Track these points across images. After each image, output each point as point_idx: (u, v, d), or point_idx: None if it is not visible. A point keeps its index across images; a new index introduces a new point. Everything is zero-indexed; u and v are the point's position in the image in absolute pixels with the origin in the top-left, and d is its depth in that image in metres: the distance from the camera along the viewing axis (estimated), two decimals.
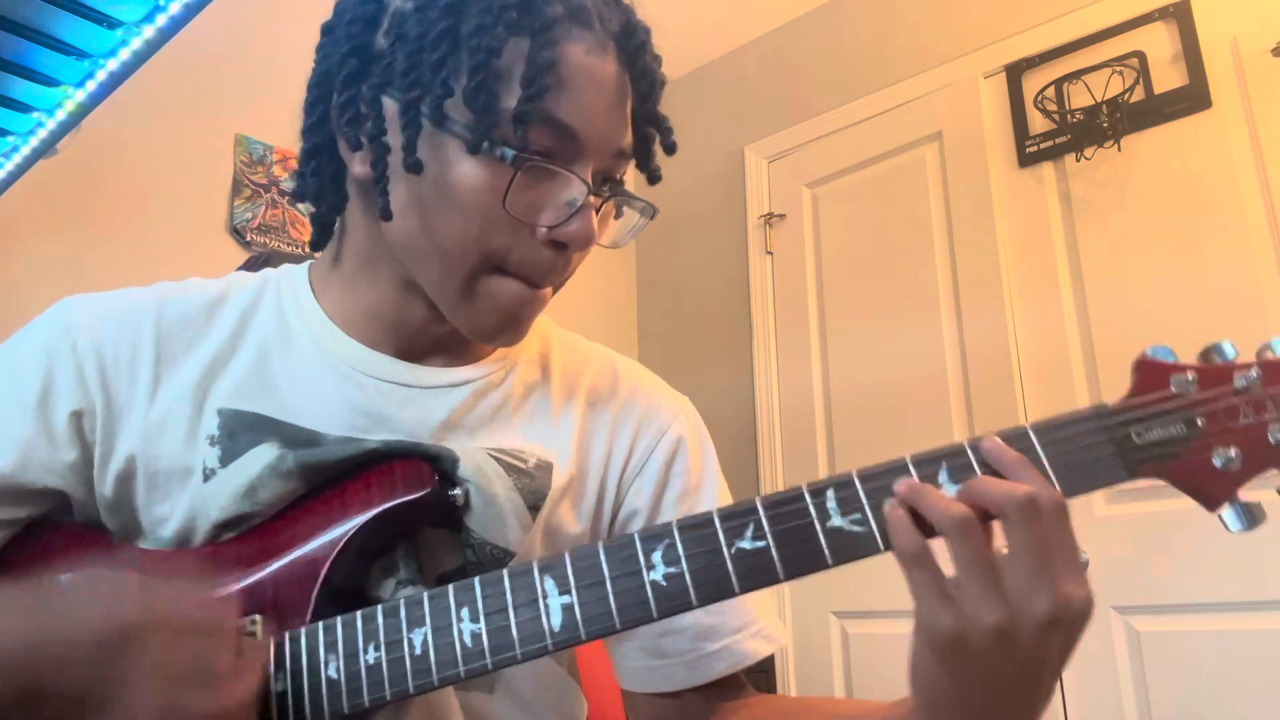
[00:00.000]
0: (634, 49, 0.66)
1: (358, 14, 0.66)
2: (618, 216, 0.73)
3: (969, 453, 0.53)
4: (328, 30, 0.69)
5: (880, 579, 2.24)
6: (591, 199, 0.64)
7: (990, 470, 0.52)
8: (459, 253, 0.64)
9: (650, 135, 0.71)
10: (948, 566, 0.50)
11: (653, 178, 0.72)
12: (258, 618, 0.61)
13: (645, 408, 0.78)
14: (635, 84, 0.67)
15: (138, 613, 0.51)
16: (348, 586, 0.64)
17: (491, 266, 0.65)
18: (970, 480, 0.52)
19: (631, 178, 0.72)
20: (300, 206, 2.24)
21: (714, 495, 0.78)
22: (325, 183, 0.70)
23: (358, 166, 0.67)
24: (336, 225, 0.74)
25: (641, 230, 0.73)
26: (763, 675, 2.25)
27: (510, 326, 0.68)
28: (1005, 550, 0.50)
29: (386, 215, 0.64)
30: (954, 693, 0.51)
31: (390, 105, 0.64)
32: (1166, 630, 1.86)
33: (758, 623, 0.74)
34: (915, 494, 0.51)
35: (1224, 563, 1.80)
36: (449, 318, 0.69)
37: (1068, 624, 0.49)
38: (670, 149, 0.71)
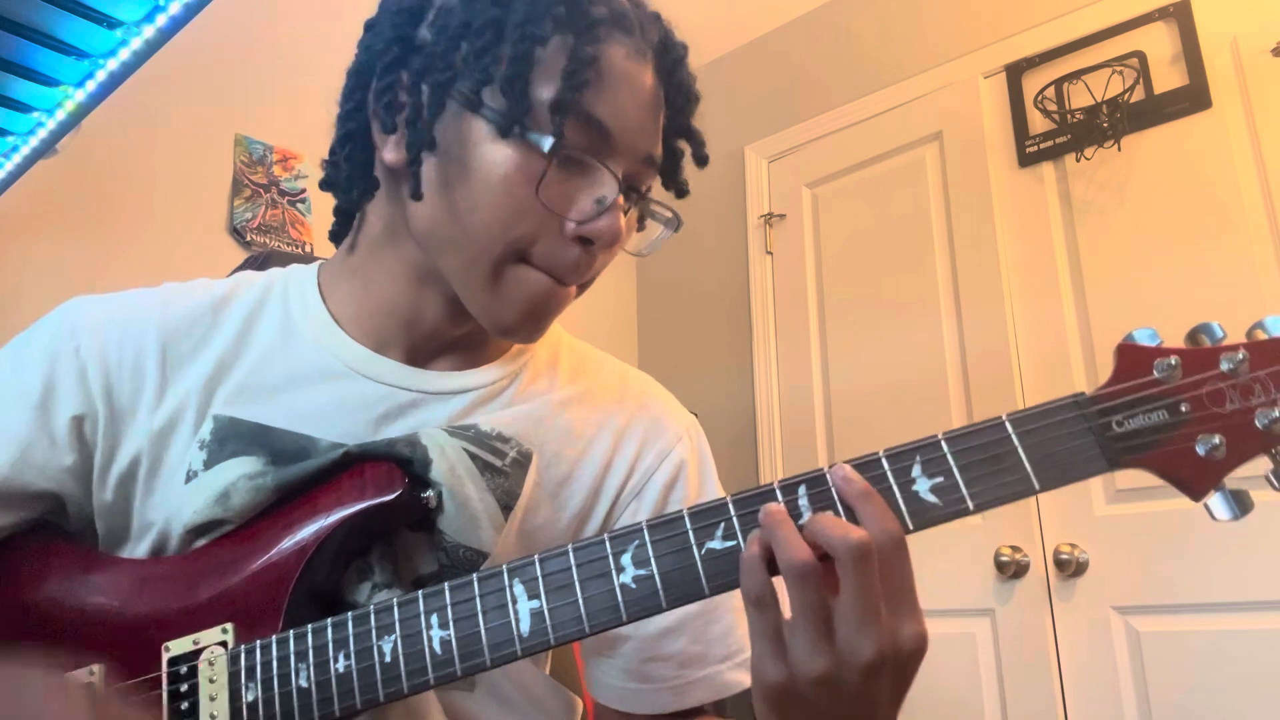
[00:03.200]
0: (671, 63, 0.68)
1: (404, 5, 0.67)
2: (640, 228, 0.74)
3: (941, 444, 0.53)
4: (370, 25, 0.70)
5: None
6: (620, 199, 0.64)
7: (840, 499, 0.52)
8: (485, 239, 0.64)
9: (680, 150, 0.72)
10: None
11: (680, 191, 0.73)
12: (229, 626, 0.60)
13: (651, 424, 0.77)
14: (670, 97, 0.68)
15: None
16: (324, 590, 0.64)
17: (516, 256, 0.65)
18: (811, 519, 0.51)
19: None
20: (300, 205, 2.24)
21: None
22: (357, 168, 0.71)
23: (389, 152, 0.67)
24: (356, 218, 0.74)
25: (663, 241, 0.74)
26: None
27: (532, 321, 0.68)
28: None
29: (415, 195, 0.64)
30: None
31: (429, 90, 0.65)
32: (1166, 630, 1.86)
33: (743, 653, 0.74)
34: (771, 529, 0.51)
35: (1224, 563, 1.80)
36: (470, 308, 0.68)
37: (897, 664, 0.50)
38: (701, 162, 0.72)
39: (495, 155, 0.63)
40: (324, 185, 0.74)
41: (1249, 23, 1.97)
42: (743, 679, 0.74)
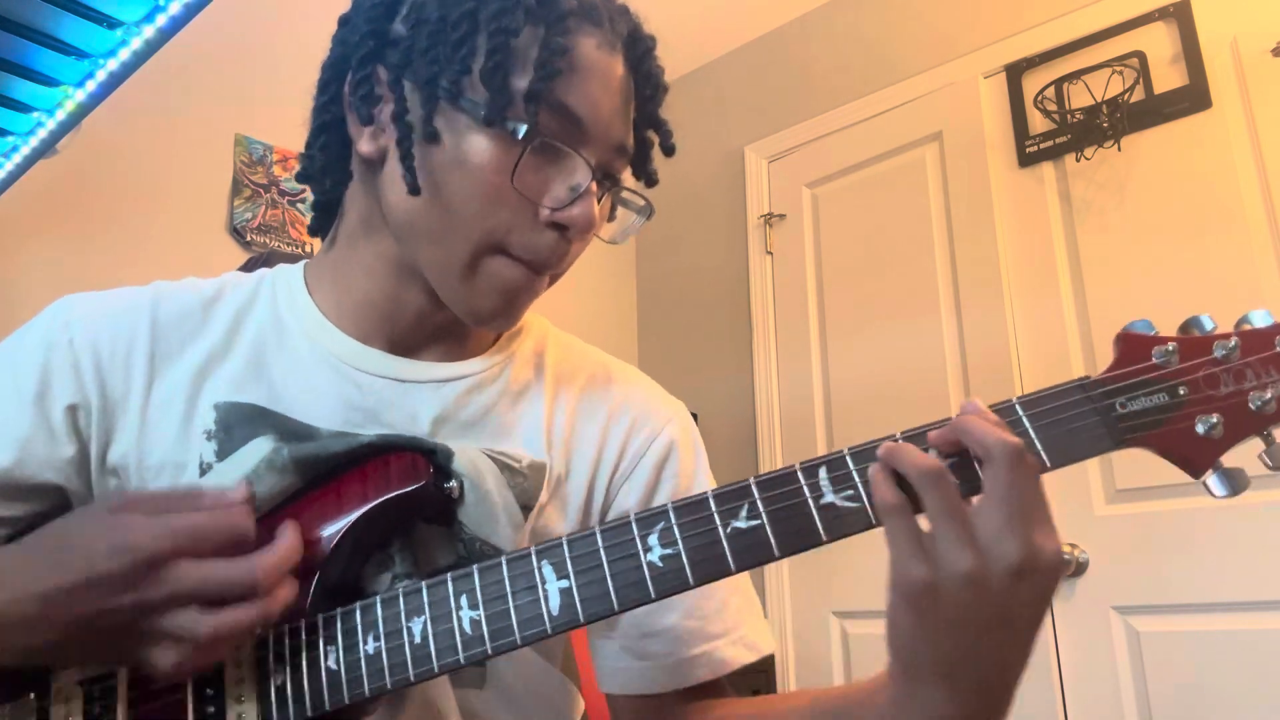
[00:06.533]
0: (640, 54, 0.69)
1: (377, 0, 0.69)
2: (611, 218, 0.75)
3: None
4: (345, 20, 0.71)
5: (880, 579, 2.24)
6: (594, 186, 0.65)
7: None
8: (462, 230, 0.65)
9: (650, 139, 0.73)
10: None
11: (650, 180, 0.75)
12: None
13: (638, 411, 0.78)
14: (639, 87, 0.70)
15: (152, 540, 0.53)
16: (345, 581, 0.64)
17: (493, 247, 0.66)
18: (962, 418, 0.52)
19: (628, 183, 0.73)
20: (300, 205, 2.24)
21: None
22: (331, 160, 0.72)
23: (365, 144, 0.69)
24: (336, 213, 0.75)
25: (638, 229, 0.75)
26: (762, 675, 2.24)
27: (505, 310, 0.69)
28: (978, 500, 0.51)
29: (414, 189, 0.65)
30: (928, 644, 0.52)
31: (410, 85, 0.66)
32: (1166, 630, 1.86)
33: (739, 629, 0.74)
34: (892, 452, 0.52)
35: (1224, 563, 1.80)
36: (445, 298, 0.69)
37: (1038, 574, 0.50)
38: (669, 151, 0.74)
39: (475, 144, 0.64)
40: (300, 178, 0.75)
41: (1249, 23, 1.98)
42: (741, 655, 0.74)
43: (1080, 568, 1.97)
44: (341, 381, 0.70)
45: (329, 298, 0.73)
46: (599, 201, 0.67)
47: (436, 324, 0.72)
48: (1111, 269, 2.06)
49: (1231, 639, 1.78)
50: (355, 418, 0.69)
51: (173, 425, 0.68)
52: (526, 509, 0.69)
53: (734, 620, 0.75)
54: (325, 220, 0.77)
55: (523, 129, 0.62)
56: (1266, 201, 1.90)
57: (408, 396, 0.70)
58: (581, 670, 1.01)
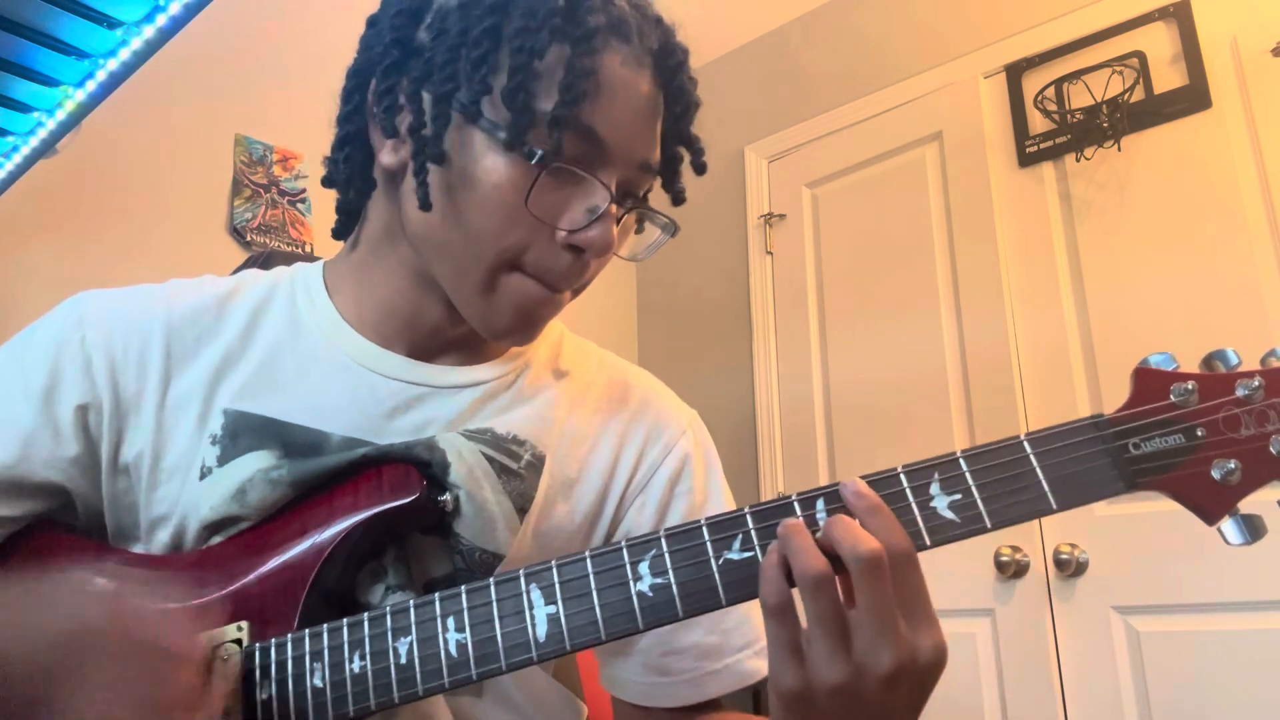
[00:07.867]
0: (671, 68, 0.67)
1: (403, 6, 0.67)
2: (638, 231, 0.74)
3: (960, 462, 0.53)
4: (372, 22, 0.70)
5: None
6: (613, 208, 0.64)
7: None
8: (477, 248, 0.64)
9: (679, 155, 0.72)
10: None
11: (678, 198, 0.73)
12: (244, 624, 0.61)
13: (654, 420, 0.77)
14: (669, 103, 0.68)
15: (97, 620, 0.51)
16: (337, 591, 0.64)
17: (509, 265, 0.65)
18: (826, 524, 0.51)
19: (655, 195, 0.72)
20: (300, 205, 2.24)
21: None
22: (355, 170, 0.71)
23: (387, 156, 0.67)
24: (359, 216, 0.75)
25: (660, 247, 0.73)
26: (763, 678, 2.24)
27: (524, 326, 0.68)
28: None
29: (425, 205, 0.64)
30: None
31: (429, 98, 0.65)
32: (1166, 630, 1.86)
33: (760, 640, 0.74)
34: (788, 538, 0.51)
35: (1224, 563, 1.80)
36: (463, 313, 0.68)
37: (915, 676, 0.49)
38: (700, 169, 0.72)
39: (492, 165, 0.63)
40: (325, 183, 0.75)
41: (1249, 23, 1.98)
42: (762, 667, 0.74)
43: (1080, 568, 1.97)
44: (355, 384, 0.69)
45: (349, 300, 0.73)
46: (619, 221, 0.66)
47: (454, 334, 0.72)
48: (1111, 269, 2.06)
49: (1231, 639, 1.78)
50: (368, 422, 0.68)
51: (188, 427, 0.67)
52: (522, 511, 0.69)
53: (754, 632, 0.74)
54: (347, 224, 0.76)
55: (539, 154, 0.60)
56: (1266, 201, 1.90)
57: (423, 402, 0.70)
58: (584, 675, 1.01)
